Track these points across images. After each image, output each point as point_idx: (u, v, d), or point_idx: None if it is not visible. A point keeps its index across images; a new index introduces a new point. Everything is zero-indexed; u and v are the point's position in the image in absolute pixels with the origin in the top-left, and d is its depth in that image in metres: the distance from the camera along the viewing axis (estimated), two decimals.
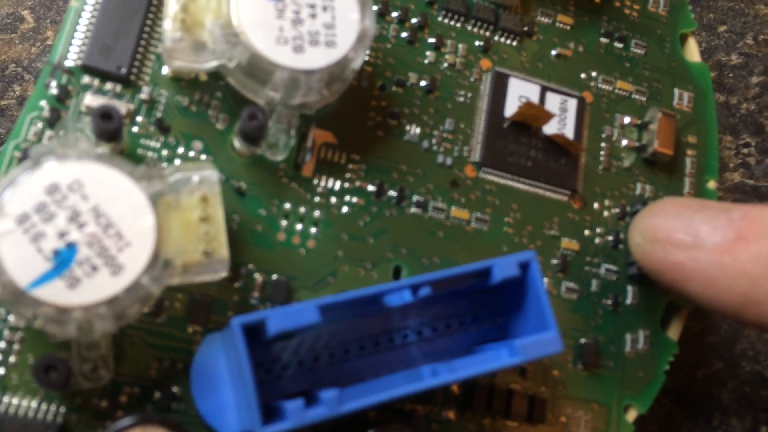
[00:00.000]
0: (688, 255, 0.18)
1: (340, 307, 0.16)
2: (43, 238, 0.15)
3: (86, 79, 0.18)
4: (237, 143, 0.19)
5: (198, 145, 0.19)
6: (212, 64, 0.18)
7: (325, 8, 0.18)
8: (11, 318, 0.17)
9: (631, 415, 0.21)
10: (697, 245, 0.18)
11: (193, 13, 0.18)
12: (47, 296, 0.15)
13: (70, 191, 0.15)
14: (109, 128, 0.17)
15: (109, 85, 0.19)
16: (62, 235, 0.15)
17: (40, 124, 0.18)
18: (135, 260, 0.15)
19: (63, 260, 0.15)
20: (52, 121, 0.18)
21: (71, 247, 0.15)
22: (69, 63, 0.18)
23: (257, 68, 0.18)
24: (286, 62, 0.18)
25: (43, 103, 0.18)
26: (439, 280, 0.17)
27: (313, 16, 0.18)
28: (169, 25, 0.18)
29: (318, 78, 0.18)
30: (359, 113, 0.21)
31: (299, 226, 0.19)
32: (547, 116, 0.21)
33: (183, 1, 0.18)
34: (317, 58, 0.18)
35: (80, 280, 0.15)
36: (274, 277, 0.19)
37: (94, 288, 0.15)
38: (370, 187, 0.20)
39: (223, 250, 0.16)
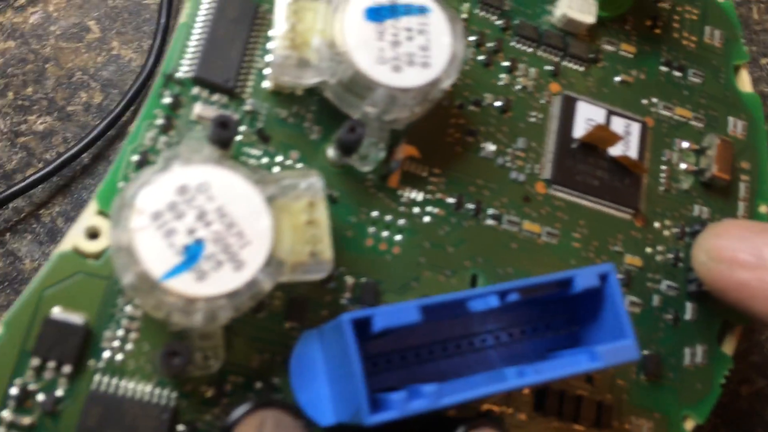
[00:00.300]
0: (752, 275, 0.20)
1: (436, 309, 0.18)
2: (175, 234, 0.17)
3: (196, 90, 0.20)
4: (330, 153, 0.21)
5: (294, 154, 0.21)
6: (315, 80, 0.20)
7: (420, 32, 0.20)
8: (129, 308, 0.18)
9: (689, 425, 0.22)
10: (760, 266, 0.20)
11: (300, 32, 0.20)
12: (177, 287, 0.16)
13: (197, 192, 0.17)
14: (225, 136, 0.18)
15: (216, 97, 0.20)
16: (191, 232, 0.17)
17: (154, 131, 0.20)
18: (254, 258, 0.17)
19: (192, 255, 0.16)
20: (166, 128, 0.20)
21: (199, 243, 0.17)
22: (180, 75, 0.20)
23: (358, 85, 0.20)
24: (385, 80, 0.19)
25: (157, 111, 0.20)
26: (525, 288, 0.19)
27: (410, 38, 0.20)
28: (278, 44, 0.20)
29: (412, 96, 0.20)
30: (440, 130, 0.22)
31: (385, 234, 0.21)
32: (616, 139, 0.23)
33: (291, 21, 0.20)
34: (413, 78, 0.20)
35: (207, 273, 0.17)
36: (363, 280, 0.20)
37: (219, 281, 0.17)
38: (450, 199, 0.22)
39: (328, 252, 0.18)
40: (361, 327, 0.17)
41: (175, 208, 0.17)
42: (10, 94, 0.30)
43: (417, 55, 0.20)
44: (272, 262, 0.17)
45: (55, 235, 0.28)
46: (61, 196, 0.28)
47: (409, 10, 0.20)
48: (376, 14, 0.20)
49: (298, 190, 0.18)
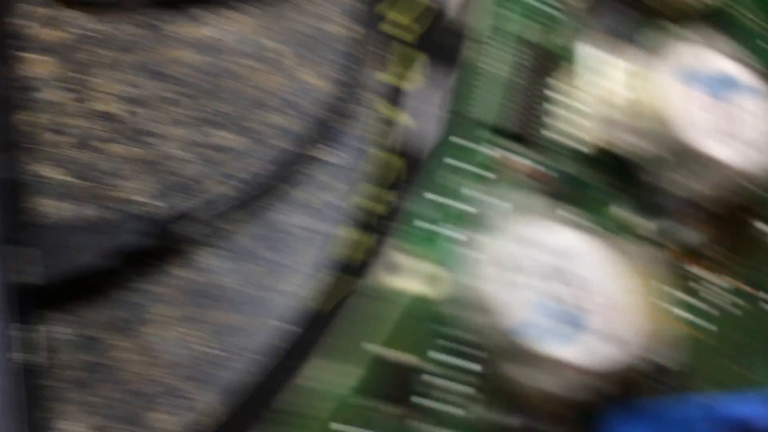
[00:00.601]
0: None
1: None
2: (527, 289, 0.16)
3: (497, 138, 0.20)
4: (629, 219, 0.20)
5: (588, 215, 0.20)
6: (629, 143, 0.20)
7: (752, 114, 0.20)
8: (471, 365, 0.17)
9: None
10: None
11: (616, 91, 0.20)
12: (530, 346, 0.15)
13: (563, 256, 0.16)
14: (561, 192, 0.18)
15: (516, 147, 0.20)
16: (543, 289, 0.16)
17: (454, 175, 0.19)
18: (621, 331, 0.16)
19: (565, 319, 0.16)
20: (463, 172, 0.19)
21: (553, 303, 0.16)
22: (484, 121, 0.20)
23: (674, 153, 0.19)
24: (713, 155, 0.19)
25: (467, 159, 0.19)
26: None
27: (741, 115, 0.20)
28: (588, 100, 0.19)
29: (730, 175, 0.20)
30: (742, 213, 0.22)
31: (684, 314, 0.20)
32: None
33: (610, 79, 0.20)
34: (742, 158, 0.19)
35: (560, 337, 0.16)
36: (666, 363, 0.20)
37: (584, 351, 0.16)
38: (751, 289, 0.21)
39: (673, 329, 0.17)
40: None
41: (545, 269, 0.16)
42: (194, 105, 0.29)
43: (743, 133, 0.20)
44: (629, 335, 0.16)
45: (243, 254, 0.27)
46: (247, 214, 0.28)
47: (744, 88, 0.20)
48: (706, 83, 0.20)
49: (632, 257, 0.18)
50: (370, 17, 0.30)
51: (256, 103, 0.29)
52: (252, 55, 0.30)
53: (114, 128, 0.29)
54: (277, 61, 0.30)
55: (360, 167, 0.28)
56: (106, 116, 0.29)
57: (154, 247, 0.26)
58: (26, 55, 0.30)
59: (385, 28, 0.29)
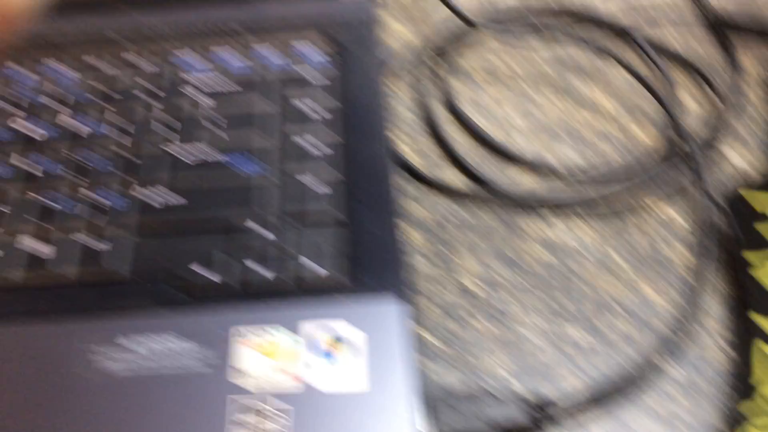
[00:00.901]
0: None
1: None
2: None
3: None
4: None
5: None
6: None
7: None
8: None
9: None
10: None
11: None
12: None
13: None
14: None
15: None
16: None
17: None
18: None
19: None
20: None
21: None
22: None
23: None
24: None
25: None
26: None
27: None
28: None
29: None
30: None
31: None
32: None
33: None
34: None
35: None
36: None
37: None
38: None
39: None
40: None
41: None
42: (545, 297, 0.32)
43: None
44: None
45: None
46: (600, 409, 0.29)
47: None
48: None
49: None
50: (709, 252, 0.33)
51: (601, 306, 0.32)
52: (594, 262, 0.34)
53: (474, 304, 0.32)
54: (617, 271, 0.33)
55: (708, 389, 0.30)
56: (468, 292, 0.33)
57: (525, 424, 0.28)
58: (402, 223, 0.35)
59: (755, 273, 0.31)
